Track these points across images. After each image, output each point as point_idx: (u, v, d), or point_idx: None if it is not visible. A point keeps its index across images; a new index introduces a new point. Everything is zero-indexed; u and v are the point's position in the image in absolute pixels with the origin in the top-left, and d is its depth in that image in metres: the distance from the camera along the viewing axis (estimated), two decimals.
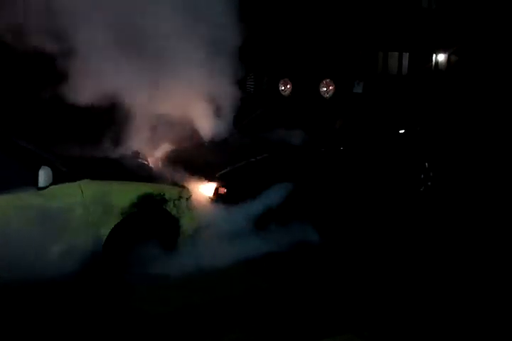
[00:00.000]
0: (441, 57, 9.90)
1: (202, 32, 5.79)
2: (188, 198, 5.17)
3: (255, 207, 5.47)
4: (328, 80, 8.30)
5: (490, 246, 5.80)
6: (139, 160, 5.84)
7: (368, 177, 6.59)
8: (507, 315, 4.40)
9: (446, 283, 4.99)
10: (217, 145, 6.45)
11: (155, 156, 6.23)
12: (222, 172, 5.73)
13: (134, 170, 5.25)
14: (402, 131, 7.45)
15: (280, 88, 8.98)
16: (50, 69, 5.59)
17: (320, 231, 5.76)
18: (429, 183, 7.44)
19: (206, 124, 6.28)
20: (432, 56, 11.04)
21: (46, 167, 4.30)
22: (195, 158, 6.02)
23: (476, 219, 6.55)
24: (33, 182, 4.25)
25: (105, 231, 4.62)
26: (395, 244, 5.86)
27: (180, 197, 5.09)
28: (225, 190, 5.55)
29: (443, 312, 4.47)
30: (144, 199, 4.83)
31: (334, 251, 5.64)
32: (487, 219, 6.53)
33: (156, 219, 4.94)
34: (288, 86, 8.90)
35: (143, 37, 5.69)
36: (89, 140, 5.86)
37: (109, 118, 6.08)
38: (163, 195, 4.97)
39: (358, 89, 8.32)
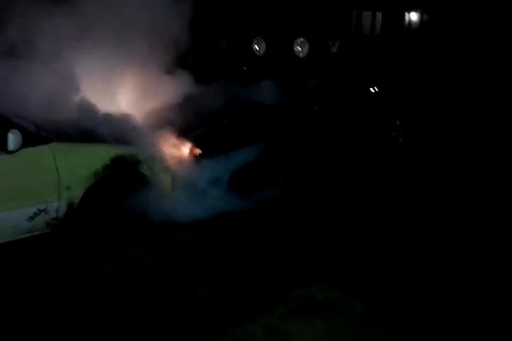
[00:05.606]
0: (414, 17, 9.83)
1: None
2: (163, 159, 5.16)
3: (228, 167, 5.51)
4: (302, 39, 8.19)
5: (456, 200, 5.93)
6: (113, 121, 5.76)
7: (340, 136, 6.65)
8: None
9: (410, 233, 5.13)
10: (191, 105, 6.39)
11: (129, 117, 6.15)
12: (196, 133, 5.72)
13: (107, 132, 5.18)
14: (374, 90, 7.47)
15: (254, 47, 8.84)
16: None
17: (290, 189, 5.83)
18: (401, 140, 7.55)
19: (178, 84, 6.19)
20: (404, 15, 10.97)
21: (15, 130, 4.22)
22: (169, 118, 5.98)
23: (446, 175, 6.69)
24: (1, 145, 4.18)
25: (78, 193, 4.59)
26: (364, 199, 5.97)
27: (154, 159, 5.07)
28: (199, 151, 5.56)
29: (401, 256, 4.65)
30: (117, 162, 4.79)
31: (302, 208, 5.71)
32: (456, 175, 6.68)
33: (130, 180, 4.92)
34: (262, 45, 8.75)
35: None
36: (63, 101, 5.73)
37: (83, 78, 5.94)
38: (137, 156, 4.94)
39: (333, 48, 8.23)
